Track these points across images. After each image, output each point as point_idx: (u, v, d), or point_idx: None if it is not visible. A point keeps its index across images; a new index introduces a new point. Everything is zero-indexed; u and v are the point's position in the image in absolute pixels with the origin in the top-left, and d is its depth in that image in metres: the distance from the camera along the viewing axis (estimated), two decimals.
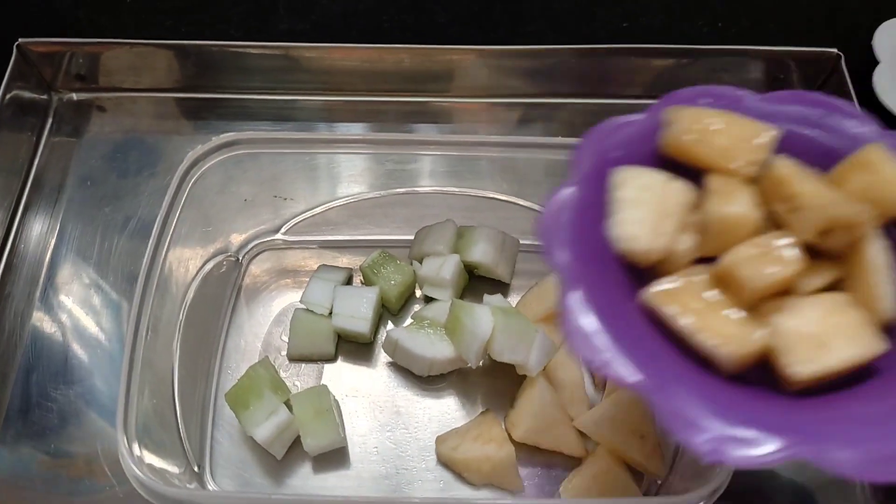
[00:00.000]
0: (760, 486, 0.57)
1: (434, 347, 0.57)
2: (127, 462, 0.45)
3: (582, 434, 0.56)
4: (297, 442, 0.56)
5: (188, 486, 0.52)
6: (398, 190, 0.66)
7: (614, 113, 0.75)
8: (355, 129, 0.75)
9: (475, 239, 0.62)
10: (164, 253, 0.52)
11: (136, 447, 0.46)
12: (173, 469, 0.52)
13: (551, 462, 0.57)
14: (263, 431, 0.54)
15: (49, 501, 0.56)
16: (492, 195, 0.65)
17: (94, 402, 0.59)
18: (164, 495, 0.45)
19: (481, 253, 0.62)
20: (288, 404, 0.56)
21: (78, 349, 0.62)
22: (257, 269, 0.66)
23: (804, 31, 0.77)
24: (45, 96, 0.75)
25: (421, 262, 0.63)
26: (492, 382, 0.60)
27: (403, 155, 0.63)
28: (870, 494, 0.56)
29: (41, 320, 0.63)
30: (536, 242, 0.65)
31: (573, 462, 0.57)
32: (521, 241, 0.65)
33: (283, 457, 0.56)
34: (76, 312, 0.63)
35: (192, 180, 0.55)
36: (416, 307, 0.64)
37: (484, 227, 0.63)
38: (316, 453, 0.56)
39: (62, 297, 0.64)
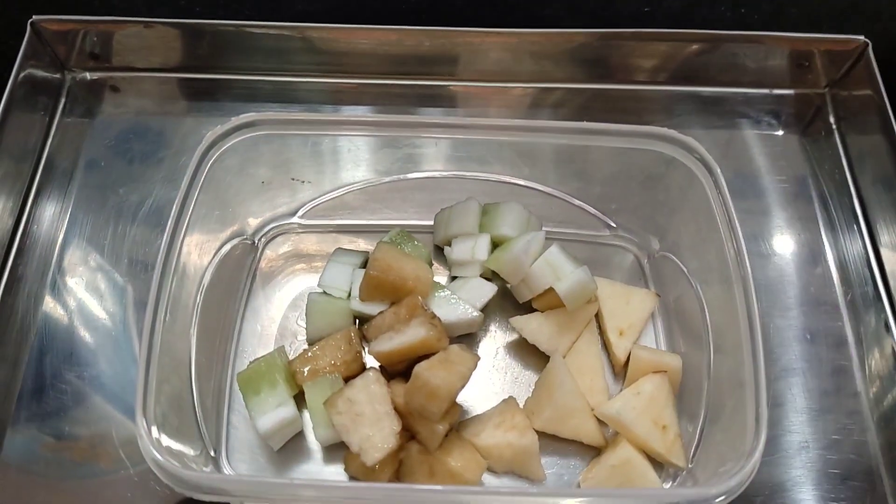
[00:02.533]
0: (783, 481, 0.56)
1: (457, 310, 0.58)
2: (146, 446, 0.44)
3: (601, 423, 0.56)
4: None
5: (204, 469, 0.52)
6: (416, 174, 0.65)
7: (629, 100, 0.76)
8: (366, 112, 0.73)
9: (503, 213, 0.61)
10: (181, 236, 0.51)
11: (154, 430, 0.45)
12: (189, 452, 0.51)
13: (570, 451, 0.56)
14: (267, 422, 0.53)
15: (62, 483, 0.55)
16: (511, 180, 0.65)
17: (107, 384, 0.59)
18: (182, 479, 0.44)
19: (510, 227, 0.60)
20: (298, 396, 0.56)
21: (90, 332, 0.61)
22: (273, 252, 0.65)
23: (828, 16, 0.75)
24: (58, 75, 0.74)
25: (450, 246, 0.62)
26: (515, 369, 0.60)
27: (421, 139, 0.62)
28: (892, 488, 0.56)
29: (53, 303, 0.62)
30: (556, 229, 0.65)
31: (592, 451, 0.56)
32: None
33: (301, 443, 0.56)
34: (88, 295, 0.63)
35: (210, 162, 0.54)
36: None
37: (510, 202, 0.62)
38: (327, 444, 0.55)
39: (74, 280, 0.63)
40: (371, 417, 0.50)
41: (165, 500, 0.54)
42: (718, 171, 0.54)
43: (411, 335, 0.52)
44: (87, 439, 0.56)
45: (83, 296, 0.63)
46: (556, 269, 0.57)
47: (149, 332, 0.47)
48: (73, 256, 0.65)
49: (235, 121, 0.54)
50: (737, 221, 0.52)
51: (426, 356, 0.52)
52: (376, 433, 0.50)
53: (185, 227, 0.51)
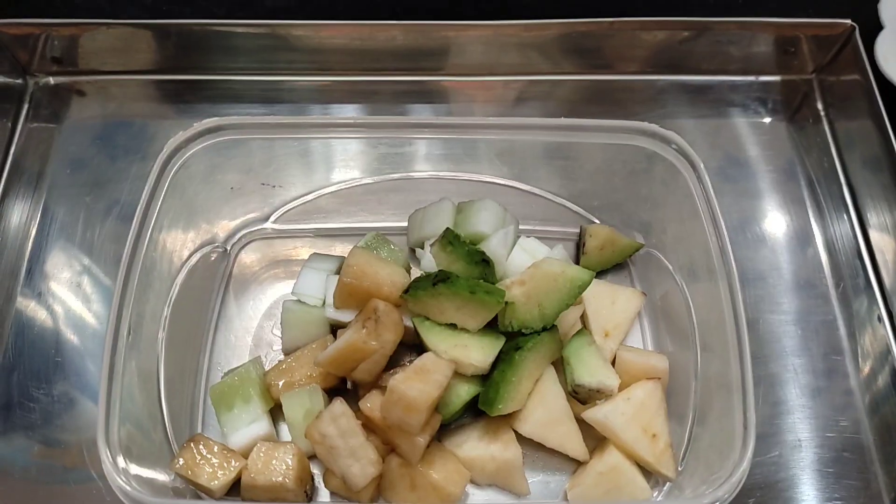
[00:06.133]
0: (775, 480, 0.55)
1: None
2: (112, 476, 0.43)
3: (587, 438, 0.54)
4: None
5: (180, 490, 0.50)
6: (392, 175, 0.63)
7: (615, 91, 0.74)
8: (347, 111, 0.72)
9: (478, 210, 0.59)
10: (144, 245, 0.49)
11: (120, 460, 0.43)
12: (163, 477, 0.50)
13: (555, 464, 0.55)
14: (240, 439, 0.52)
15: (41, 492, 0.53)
16: (490, 179, 0.63)
17: (81, 391, 0.57)
18: None
19: (485, 224, 0.58)
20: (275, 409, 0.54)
21: (64, 337, 0.59)
22: (247, 259, 0.63)
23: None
24: (20, 80, 0.71)
25: (423, 248, 0.60)
26: None
27: (396, 139, 0.60)
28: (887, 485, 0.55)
29: (24, 309, 0.60)
30: (537, 227, 0.63)
31: (577, 466, 0.54)
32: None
33: None
34: (60, 300, 0.61)
35: (174, 169, 0.52)
36: None
37: (484, 199, 0.60)
38: (310, 454, 0.53)
39: (45, 286, 0.62)
40: (345, 450, 0.48)
41: None
42: (701, 164, 0.52)
43: (342, 339, 0.51)
44: (66, 445, 0.55)
45: (55, 299, 0.61)
46: (534, 254, 0.56)
47: (110, 351, 0.45)
48: (44, 261, 0.63)
49: (198, 126, 0.52)
50: (720, 216, 0.51)
51: (391, 362, 0.50)
52: (354, 464, 0.48)
53: (147, 237, 0.49)
